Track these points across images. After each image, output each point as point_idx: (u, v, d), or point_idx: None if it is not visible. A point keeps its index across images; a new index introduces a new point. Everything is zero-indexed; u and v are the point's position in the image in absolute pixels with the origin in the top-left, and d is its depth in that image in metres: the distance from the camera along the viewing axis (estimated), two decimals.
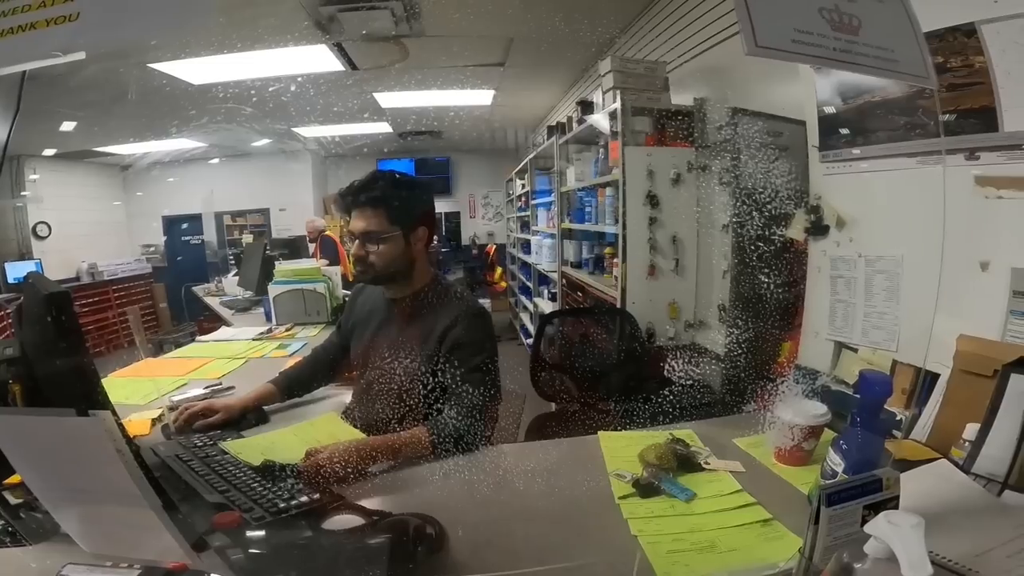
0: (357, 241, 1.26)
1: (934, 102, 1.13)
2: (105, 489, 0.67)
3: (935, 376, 1.16)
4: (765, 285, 1.55)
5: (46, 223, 2.77)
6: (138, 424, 1.33)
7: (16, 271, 2.56)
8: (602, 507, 0.98)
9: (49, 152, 2.67)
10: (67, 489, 0.71)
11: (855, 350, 1.35)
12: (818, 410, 1.06)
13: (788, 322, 1.52)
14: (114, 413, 0.71)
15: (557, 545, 0.88)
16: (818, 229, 1.45)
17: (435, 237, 1.37)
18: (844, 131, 1.38)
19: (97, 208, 3.20)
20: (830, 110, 1.40)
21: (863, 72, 0.96)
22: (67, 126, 2.38)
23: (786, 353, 1.52)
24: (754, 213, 1.61)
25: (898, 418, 1.17)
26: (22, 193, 2.60)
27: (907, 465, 0.96)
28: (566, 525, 0.94)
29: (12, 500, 0.86)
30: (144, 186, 3.21)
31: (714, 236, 2.01)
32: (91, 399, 0.76)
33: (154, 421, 1.35)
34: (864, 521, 0.66)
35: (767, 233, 1.56)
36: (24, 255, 2.67)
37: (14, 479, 0.83)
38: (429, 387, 1.22)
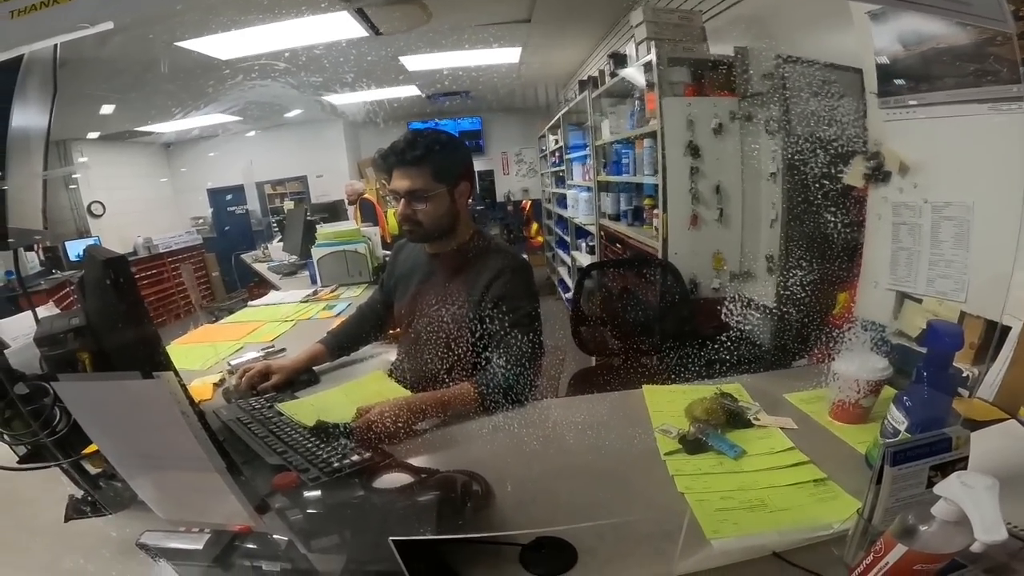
0: (403, 200, 1.26)
1: (1008, 48, 1.03)
2: (173, 453, 0.71)
3: (1006, 329, 1.08)
4: (819, 233, 1.47)
5: (100, 202, 2.90)
6: (201, 389, 1.40)
7: (76, 248, 2.71)
8: (647, 463, 0.98)
9: (93, 135, 2.76)
10: (139, 455, 0.76)
11: (919, 301, 1.27)
12: (879, 364, 1.01)
13: (844, 271, 1.44)
14: (177, 375, 0.74)
15: (602, 502, 0.89)
16: (879, 175, 1.35)
17: (472, 193, 1.36)
18: (906, 78, 1.28)
19: (146, 185, 3.33)
20: (889, 57, 1.29)
21: (933, 14, 0.87)
22: (106, 109, 2.45)
23: (842, 304, 1.45)
24: (808, 157, 1.51)
25: (964, 374, 1.11)
26: (73, 176, 2.72)
27: (974, 425, 0.91)
28: (611, 481, 0.94)
29: (91, 469, 0.93)
30: (187, 162, 3.31)
31: (760, 185, 1.91)
32: (154, 362, 0.79)
33: (215, 385, 1.43)
34: (930, 482, 0.63)
35: (822, 178, 1.47)
36: (82, 233, 2.82)
37: (91, 448, 0.89)
38: (475, 338, 1.24)
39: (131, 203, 3.17)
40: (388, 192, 1.32)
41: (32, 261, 2.77)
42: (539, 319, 1.27)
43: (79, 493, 0.94)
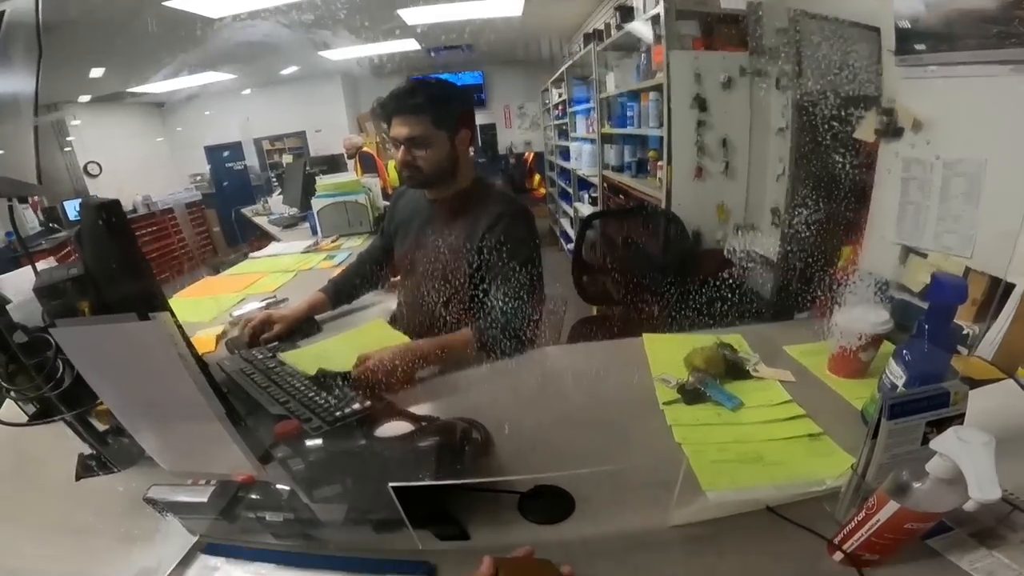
0: (403, 147, 1.25)
1: None
2: (174, 399, 0.71)
3: (1011, 287, 1.06)
4: (826, 187, 1.44)
5: (96, 163, 2.87)
6: (204, 341, 1.41)
7: (75, 208, 2.70)
8: (646, 412, 0.98)
9: (84, 98, 2.71)
10: (140, 403, 0.76)
11: (924, 256, 1.25)
12: (880, 317, 0.99)
13: (850, 225, 1.42)
14: (173, 315, 0.74)
15: (600, 450, 0.90)
16: (892, 131, 1.32)
17: (473, 141, 1.34)
18: (926, 37, 1.23)
19: (142, 145, 3.29)
20: (910, 16, 1.23)
21: None
22: (96, 72, 2.39)
23: (846, 258, 1.43)
24: (819, 112, 1.46)
25: (965, 331, 1.10)
26: (67, 139, 2.69)
27: (971, 384, 0.90)
28: (609, 430, 0.95)
29: (99, 426, 0.93)
30: (183, 121, 3.26)
31: (768, 139, 1.86)
32: (152, 303, 0.79)
33: (219, 337, 1.44)
34: (926, 439, 0.63)
35: (832, 133, 1.42)
36: (80, 193, 2.79)
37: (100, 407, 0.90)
38: (474, 282, 1.25)
39: (128, 162, 3.14)
40: (389, 139, 1.30)
41: (32, 221, 2.77)
42: (539, 263, 1.27)
43: (88, 451, 0.95)
